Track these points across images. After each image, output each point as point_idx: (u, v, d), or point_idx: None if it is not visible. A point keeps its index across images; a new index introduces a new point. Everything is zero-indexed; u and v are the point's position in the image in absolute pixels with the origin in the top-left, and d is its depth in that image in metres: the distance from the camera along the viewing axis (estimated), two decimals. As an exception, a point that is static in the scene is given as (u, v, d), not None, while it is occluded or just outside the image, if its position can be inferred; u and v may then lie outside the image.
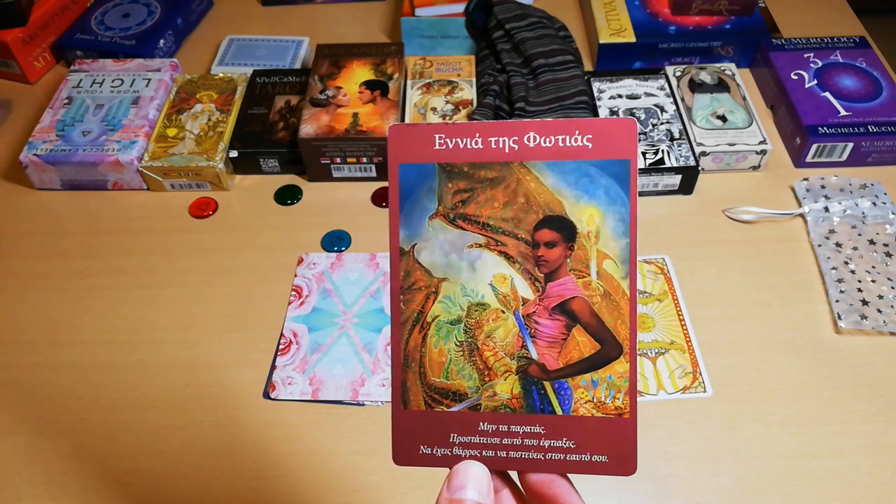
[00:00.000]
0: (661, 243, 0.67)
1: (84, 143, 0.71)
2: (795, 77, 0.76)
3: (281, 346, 0.60)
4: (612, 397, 0.30)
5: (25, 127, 0.80)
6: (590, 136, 0.30)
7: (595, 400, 0.30)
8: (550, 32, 0.76)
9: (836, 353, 0.58)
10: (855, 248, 0.64)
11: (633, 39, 0.82)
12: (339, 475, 0.53)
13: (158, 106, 0.76)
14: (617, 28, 0.83)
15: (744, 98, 0.75)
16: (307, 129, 0.70)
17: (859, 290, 0.61)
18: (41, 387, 0.58)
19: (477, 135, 0.30)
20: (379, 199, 0.72)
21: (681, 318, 0.61)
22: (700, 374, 0.57)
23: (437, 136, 0.30)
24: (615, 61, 0.83)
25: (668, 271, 0.64)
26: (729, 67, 0.78)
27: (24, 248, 0.69)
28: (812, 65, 0.77)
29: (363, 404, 0.56)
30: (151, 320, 0.62)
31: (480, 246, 0.31)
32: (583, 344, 0.30)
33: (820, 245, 0.65)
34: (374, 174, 0.73)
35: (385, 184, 0.73)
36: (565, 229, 0.30)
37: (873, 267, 0.63)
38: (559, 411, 0.30)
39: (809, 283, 0.63)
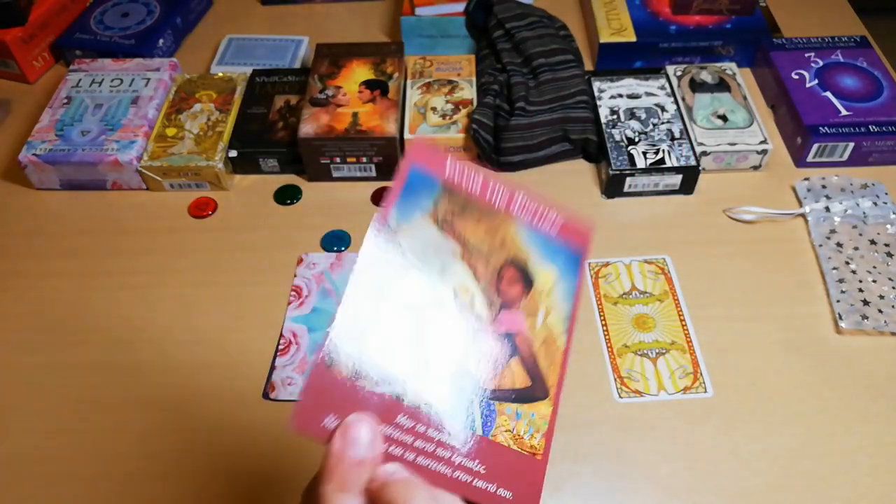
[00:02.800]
0: (661, 243, 0.67)
1: (83, 143, 0.71)
2: (796, 77, 0.76)
3: (280, 347, 0.60)
4: (531, 435, 0.32)
5: (24, 126, 0.80)
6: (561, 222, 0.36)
7: (514, 431, 0.32)
8: (551, 32, 0.76)
9: (836, 353, 0.58)
10: (856, 248, 0.64)
11: (634, 39, 0.81)
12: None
13: (158, 105, 0.76)
14: (617, 27, 0.83)
15: (744, 98, 0.75)
16: (307, 128, 0.70)
17: (860, 290, 0.61)
18: (40, 387, 0.58)
19: (480, 178, 0.35)
20: (379, 198, 0.72)
21: (681, 318, 0.61)
22: (700, 374, 0.57)
23: (448, 162, 0.34)
24: (616, 61, 0.83)
25: (669, 271, 0.64)
26: (730, 67, 0.78)
27: (23, 248, 0.68)
28: (813, 64, 0.77)
29: (363, 405, 0.56)
30: (151, 320, 0.62)
31: (455, 255, 0.33)
32: (517, 375, 0.32)
33: (821, 245, 0.65)
34: (373, 174, 0.73)
35: (385, 184, 0.73)
36: (526, 278, 0.34)
37: (874, 267, 0.63)
38: (479, 431, 0.31)
39: (810, 283, 0.63)
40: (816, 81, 0.75)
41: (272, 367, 0.59)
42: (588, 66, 0.85)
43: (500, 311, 0.33)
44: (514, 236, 0.35)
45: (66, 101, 0.76)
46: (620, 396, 0.56)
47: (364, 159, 0.71)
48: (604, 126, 0.72)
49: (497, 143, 0.72)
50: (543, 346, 0.33)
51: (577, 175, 0.73)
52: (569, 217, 0.37)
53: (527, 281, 0.34)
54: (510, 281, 0.34)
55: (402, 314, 0.31)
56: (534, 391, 0.33)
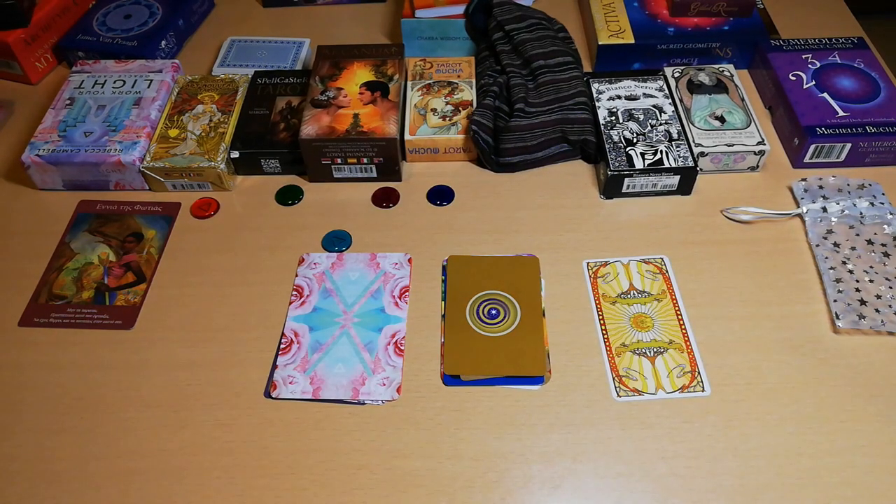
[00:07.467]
0: (659, 243, 0.67)
1: (86, 144, 0.72)
2: (794, 78, 0.77)
3: (282, 346, 0.60)
4: None
5: (27, 127, 0.81)
6: None
7: None
8: (550, 34, 0.77)
9: (833, 352, 0.59)
10: (853, 248, 0.65)
11: (632, 41, 0.82)
12: (339, 474, 0.53)
13: (160, 107, 0.76)
14: (616, 29, 0.83)
15: (742, 99, 0.75)
16: (308, 129, 0.71)
17: (857, 289, 0.62)
18: (43, 386, 0.59)
19: None
20: (379, 199, 0.72)
21: (679, 317, 0.61)
22: (698, 373, 0.58)
23: None
24: (614, 62, 0.84)
25: (667, 271, 0.65)
26: (727, 68, 0.79)
27: (26, 248, 0.69)
28: (810, 66, 0.78)
29: (364, 403, 0.57)
30: (154, 319, 0.63)
31: None
32: None
33: (818, 245, 0.66)
34: (374, 175, 0.73)
35: (384, 184, 0.73)
36: None
37: (871, 267, 0.63)
38: None
39: (807, 283, 0.64)
40: (814, 83, 0.76)
41: (274, 366, 0.59)
42: (587, 67, 0.85)
43: None
44: None
45: (68, 102, 0.76)
46: (619, 395, 0.57)
47: (365, 160, 0.72)
48: (602, 127, 0.73)
49: (496, 144, 0.72)
50: None
51: (575, 176, 0.74)
52: None
53: None
54: None
55: None
56: None
